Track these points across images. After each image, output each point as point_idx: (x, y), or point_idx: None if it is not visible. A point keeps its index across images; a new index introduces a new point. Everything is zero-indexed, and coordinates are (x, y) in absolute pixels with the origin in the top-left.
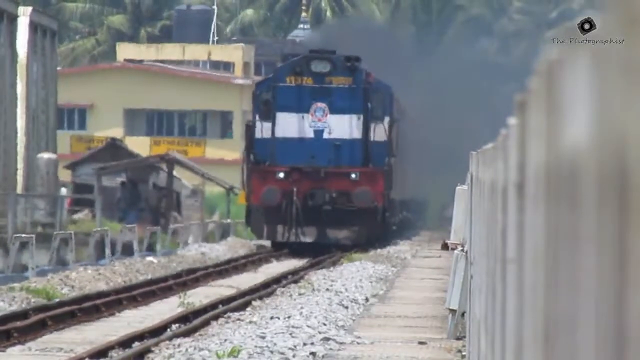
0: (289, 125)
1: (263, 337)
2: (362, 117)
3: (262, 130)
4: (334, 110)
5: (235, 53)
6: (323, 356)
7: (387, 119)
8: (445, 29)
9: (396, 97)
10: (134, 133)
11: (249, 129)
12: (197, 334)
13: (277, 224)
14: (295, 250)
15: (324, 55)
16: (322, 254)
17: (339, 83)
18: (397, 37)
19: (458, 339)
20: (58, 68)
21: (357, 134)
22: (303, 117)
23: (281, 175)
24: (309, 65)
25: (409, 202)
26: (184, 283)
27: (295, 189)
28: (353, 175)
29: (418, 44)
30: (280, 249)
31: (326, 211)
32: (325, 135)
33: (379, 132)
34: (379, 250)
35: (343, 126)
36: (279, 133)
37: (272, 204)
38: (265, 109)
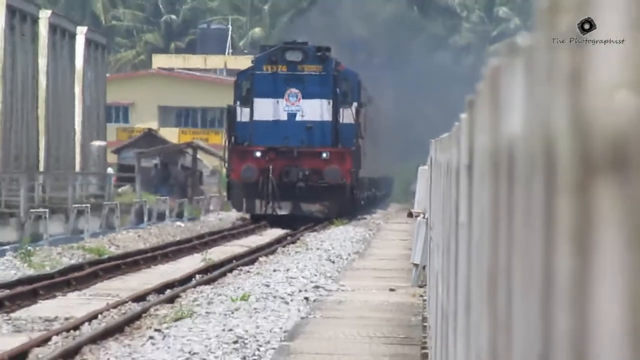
0: (266, 109)
1: (267, 286)
2: (331, 101)
3: (242, 114)
4: (306, 95)
5: (246, 62)
6: (314, 300)
7: (355, 104)
8: (413, 42)
9: (364, 86)
10: (166, 125)
11: (231, 113)
12: (216, 282)
13: (255, 199)
14: (272, 222)
15: (297, 46)
16: (297, 226)
17: (311, 71)
18: (374, 45)
19: (420, 286)
20: (107, 74)
21: (327, 116)
22: (278, 101)
23: (258, 154)
24: (283, 54)
25: (377, 179)
26: (205, 243)
27: (271, 167)
28: (324, 155)
29: (390, 52)
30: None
31: (299, 187)
32: (298, 118)
33: (347, 116)
34: (359, 219)
35: (314, 109)
36: (257, 116)
37: (251, 181)
38: (246, 96)
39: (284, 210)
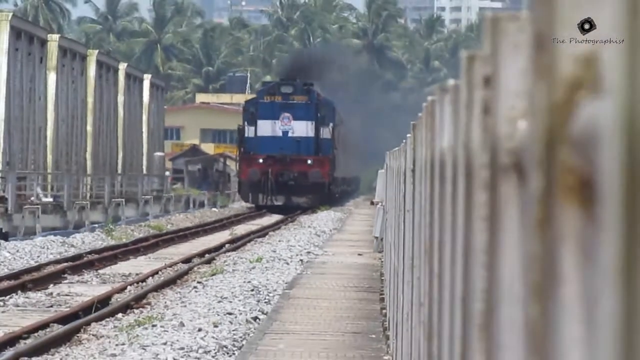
0: (266, 127)
1: (274, 251)
2: (314, 122)
3: (249, 131)
4: (296, 117)
5: None
6: (307, 261)
7: (331, 124)
8: (373, 84)
9: (337, 110)
10: (205, 142)
11: (241, 131)
12: (239, 249)
13: (258, 193)
14: (270, 210)
15: (289, 82)
16: (289, 213)
17: (299, 100)
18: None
19: (379, 252)
20: (164, 107)
21: (311, 133)
22: (275, 122)
23: (261, 160)
24: (279, 88)
25: (349, 179)
26: (231, 222)
27: (270, 170)
28: (309, 161)
29: (357, 90)
30: (262, 209)
31: (291, 185)
32: (290, 134)
33: (325, 133)
34: (337, 206)
35: (302, 128)
36: (260, 133)
37: (255, 180)
38: (252, 118)
39: (279, 202)
